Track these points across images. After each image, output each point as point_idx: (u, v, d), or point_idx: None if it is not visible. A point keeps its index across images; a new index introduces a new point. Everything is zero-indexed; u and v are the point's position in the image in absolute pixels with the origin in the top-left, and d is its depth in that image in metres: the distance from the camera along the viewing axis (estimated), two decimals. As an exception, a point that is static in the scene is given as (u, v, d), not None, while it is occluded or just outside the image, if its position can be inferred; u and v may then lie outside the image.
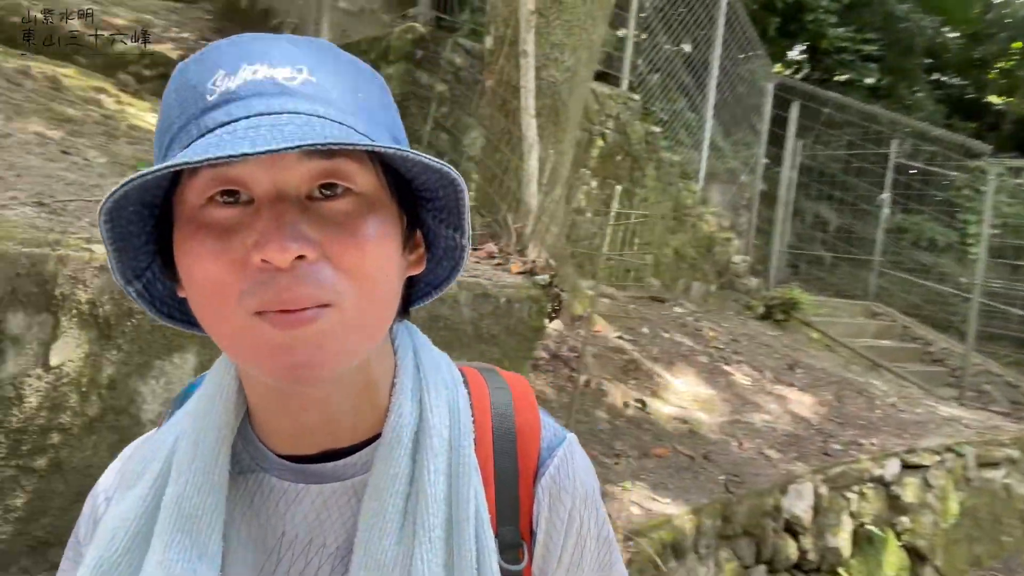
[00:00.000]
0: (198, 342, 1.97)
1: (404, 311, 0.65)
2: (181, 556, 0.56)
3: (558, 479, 0.64)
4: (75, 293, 1.73)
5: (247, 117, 0.48)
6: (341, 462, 0.60)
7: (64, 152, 3.14)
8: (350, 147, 0.47)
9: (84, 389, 1.77)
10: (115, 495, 0.64)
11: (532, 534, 0.62)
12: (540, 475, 0.63)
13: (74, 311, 1.73)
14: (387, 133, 0.55)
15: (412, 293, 0.66)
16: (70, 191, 2.47)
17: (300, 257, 0.49)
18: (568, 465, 0.65)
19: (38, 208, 2.09)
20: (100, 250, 1.93)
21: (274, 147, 0.43)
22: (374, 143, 0.48)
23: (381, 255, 0.53)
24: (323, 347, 0.51)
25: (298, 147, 0.44)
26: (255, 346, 0.51)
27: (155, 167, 0.46)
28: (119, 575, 0.58)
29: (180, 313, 0.63)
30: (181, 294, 0.58)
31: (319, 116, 0.49)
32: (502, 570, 0.59)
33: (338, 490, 0.60)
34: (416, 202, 0.60)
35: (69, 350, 1.73)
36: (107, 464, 0.70)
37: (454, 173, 0.53)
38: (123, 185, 0.46)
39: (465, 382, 0.66)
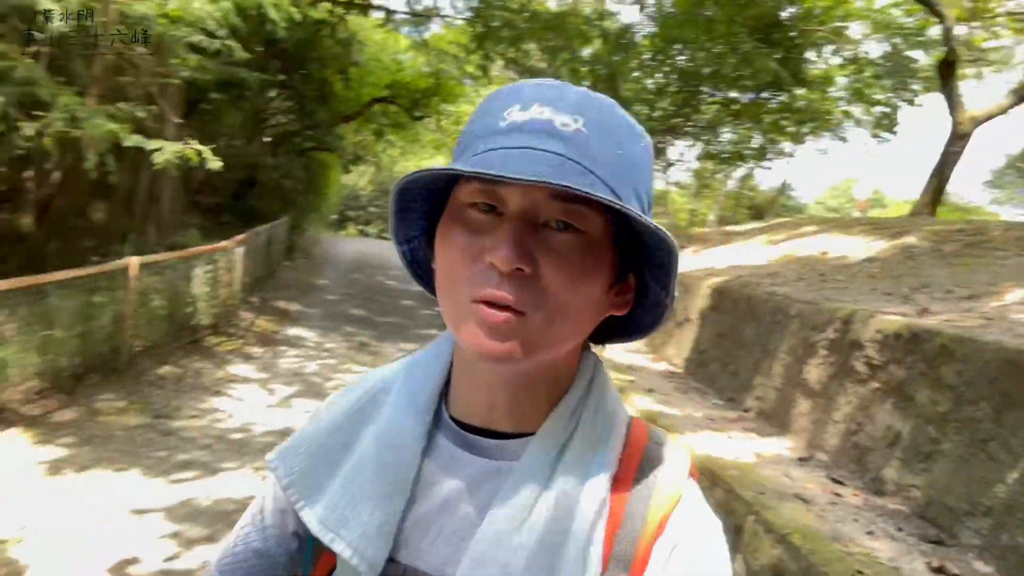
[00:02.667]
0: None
1: (600, 341, 0.74)
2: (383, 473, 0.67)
3: (679, 551, 0.63)
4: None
5: (520, 148, 0.58)
6: (497, 442, 0.67)
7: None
8: (582, 194, 0.55)
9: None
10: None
11: None
12: (661, 537, 0.63)
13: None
14: (631, 188, 0.62)
15: (614, 330, 0.72)
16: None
17: (519, 269, 0.58)
18: (695, 543, 0.63)
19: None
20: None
21: (521, 177, 0.53)
22: (600, 195, 0.55)
23: (582, 289, 0.61)
24: (508, 345, 0.60)
25: (536, 182, 0.53)
26: (466, 325, 0.61)
27: (441, 167, 0.57)
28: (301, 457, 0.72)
29: (428, 280, 0.74)
30: (434, 265, 0.68)
31: (575, 161, 0.58)
32: None
33: (485, 466, 0.67)
34: (640, 253, 0.66)
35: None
36: None
37: (670, 239, 0.58)
38: (416, 173, 0.58)
39: (629, 426, 0.70)
